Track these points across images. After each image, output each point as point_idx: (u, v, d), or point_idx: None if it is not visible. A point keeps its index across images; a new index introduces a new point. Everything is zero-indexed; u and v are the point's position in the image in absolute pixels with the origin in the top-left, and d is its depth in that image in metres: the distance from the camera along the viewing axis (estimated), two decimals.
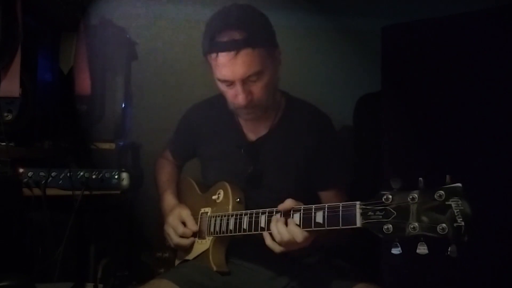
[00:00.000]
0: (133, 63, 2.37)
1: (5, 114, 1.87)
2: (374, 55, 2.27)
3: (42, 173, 1.96)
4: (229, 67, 1.52)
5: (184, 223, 1.72)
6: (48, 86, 2.14)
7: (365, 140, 2.51)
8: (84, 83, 2.15)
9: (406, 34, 2.17)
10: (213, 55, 1.54)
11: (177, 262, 1.80)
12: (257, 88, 1.57)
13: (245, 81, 1.54)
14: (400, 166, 2.16)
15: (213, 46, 1.54)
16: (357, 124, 2.60)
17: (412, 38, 2.16)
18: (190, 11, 2.72)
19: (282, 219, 1.42)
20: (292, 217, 1.41)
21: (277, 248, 1.44)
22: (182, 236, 1.71)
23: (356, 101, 2.63)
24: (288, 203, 1.44)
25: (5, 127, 1.83)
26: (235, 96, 1.58)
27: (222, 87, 1.61)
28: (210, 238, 1.66)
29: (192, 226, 1.71)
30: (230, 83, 1.56)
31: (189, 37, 2.77)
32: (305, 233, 1.38)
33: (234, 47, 1.50)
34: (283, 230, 1.40)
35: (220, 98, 1.78)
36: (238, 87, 1.55)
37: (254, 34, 1.52)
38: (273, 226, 1.43)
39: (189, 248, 1.73)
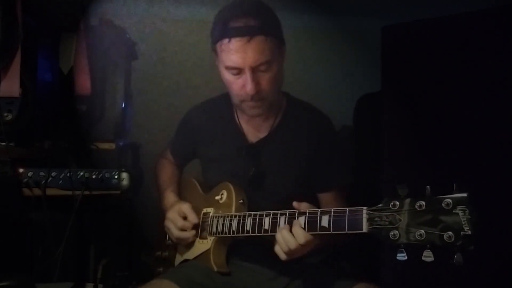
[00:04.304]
0: (133, 63, 2.37)
1: (5, 114, 1.87)
2: (374, 55, 2.27)
3: (42, 173, 1.96)
4: (240, 53, 1.52)
5: (184, 217, 1.71)
6: (48, 86, 2.13)
7: (365, 140, 2.51)
8: (84, 83, 2.15)
9: (406, 34, 2.18)
10: (225, 40, 1.54)
11: (178, 257, 1.80)
12: (265, 80, 1.57)
13: (254, 70, 1.54)
14: (400, 166, 2.16)
15: (226, 31, 1.54)
16: (357, 124, 2.60)
17: (412, 38, 2.16)
18: (191, 10, 2.72)
19: (287, 226, 1.41)
20: (297, 219, 1.40)
21: (283, 256, 1.42)
22: (182, 230, 1.70)
23: (356, 101, 2.63)
24: (304, 205, 1.42)
25: (5, 127, 1.83)
26: (243, 86, 1.57)
27: (229, 77, 1.59)
28: (212, 238, 1.65)
29: (193, 219, 1.69)
30: (239, 71, 1.55)
31: (190, 36, 2.77)
32: (309, 236, 1.37)
33: (248, 32, 1.51)
34: (289, 236, 1.39)
35: (221, 98, 1.79)
36: (248, 75, 1.54)
37: (268, 23, 1.55)
38: (277, 235, 1.42)
39: (190, 244, 1.73)
